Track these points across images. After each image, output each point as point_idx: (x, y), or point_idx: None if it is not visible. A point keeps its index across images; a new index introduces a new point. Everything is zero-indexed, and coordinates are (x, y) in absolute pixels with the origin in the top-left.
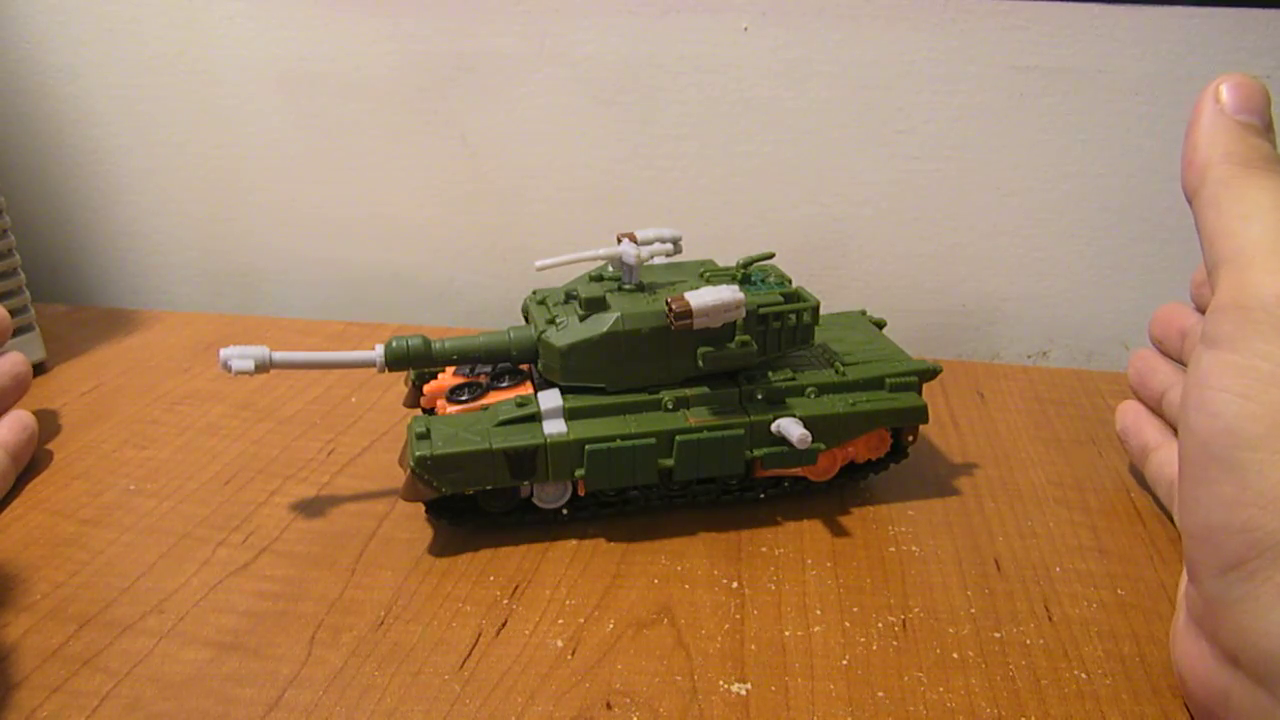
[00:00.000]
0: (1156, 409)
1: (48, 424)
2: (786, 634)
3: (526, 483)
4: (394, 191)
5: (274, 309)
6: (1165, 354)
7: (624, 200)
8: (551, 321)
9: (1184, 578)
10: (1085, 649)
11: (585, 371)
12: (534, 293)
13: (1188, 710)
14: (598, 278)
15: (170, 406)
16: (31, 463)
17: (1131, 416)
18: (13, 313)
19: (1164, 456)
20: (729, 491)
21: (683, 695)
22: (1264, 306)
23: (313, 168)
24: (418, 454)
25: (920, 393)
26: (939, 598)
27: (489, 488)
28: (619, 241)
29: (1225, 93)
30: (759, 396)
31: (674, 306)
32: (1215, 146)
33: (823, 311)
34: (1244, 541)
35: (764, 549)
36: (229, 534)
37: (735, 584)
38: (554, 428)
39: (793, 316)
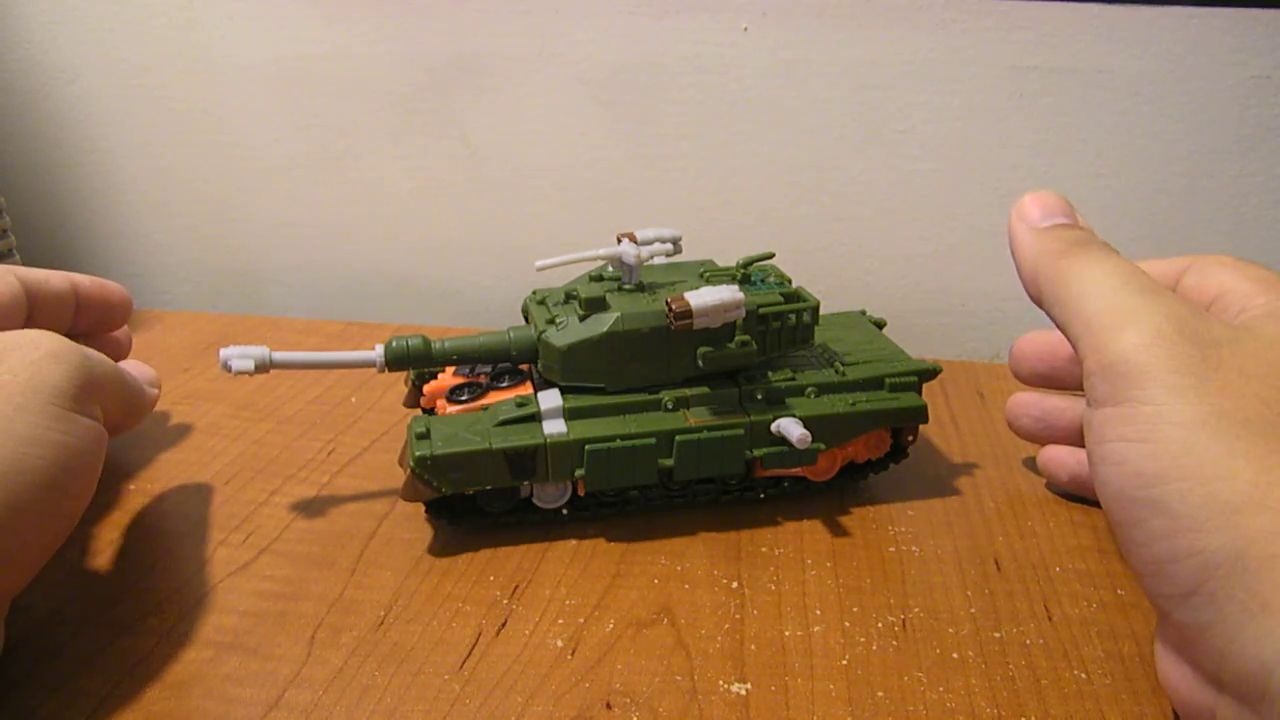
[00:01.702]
0: (1075, 441)
1: None
2: (786, 634)
3: (526, 483)
4: (394, 191)
5: (274, 309)
6: (1061, 385)
7: (624, 200)
8: (551, 321)
9: None
10: (1085, 649)
11: (585, 371)
12: (534, 293)
13: None
14: (598, 278)
15: (170, 406)
16: None
17: (1056, 458)
18: None
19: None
20: (729, 491)
21: (683, 695)
22: (1124, 359)
23: (313, 168)
24: (418, 454)
25: (920, 393)
26: (939, 598)
27: (489, 488)
28: (619, 241)
29: (1028, 210)
30: (759, 396)
31: (674, 306)
32: (1037, 255)
33: (823, 311)
34: (1193, 565)
35: (764, 549)
36: (229, 534)
37: (735, 584)
38: (554, 428)
39: (793, 316)
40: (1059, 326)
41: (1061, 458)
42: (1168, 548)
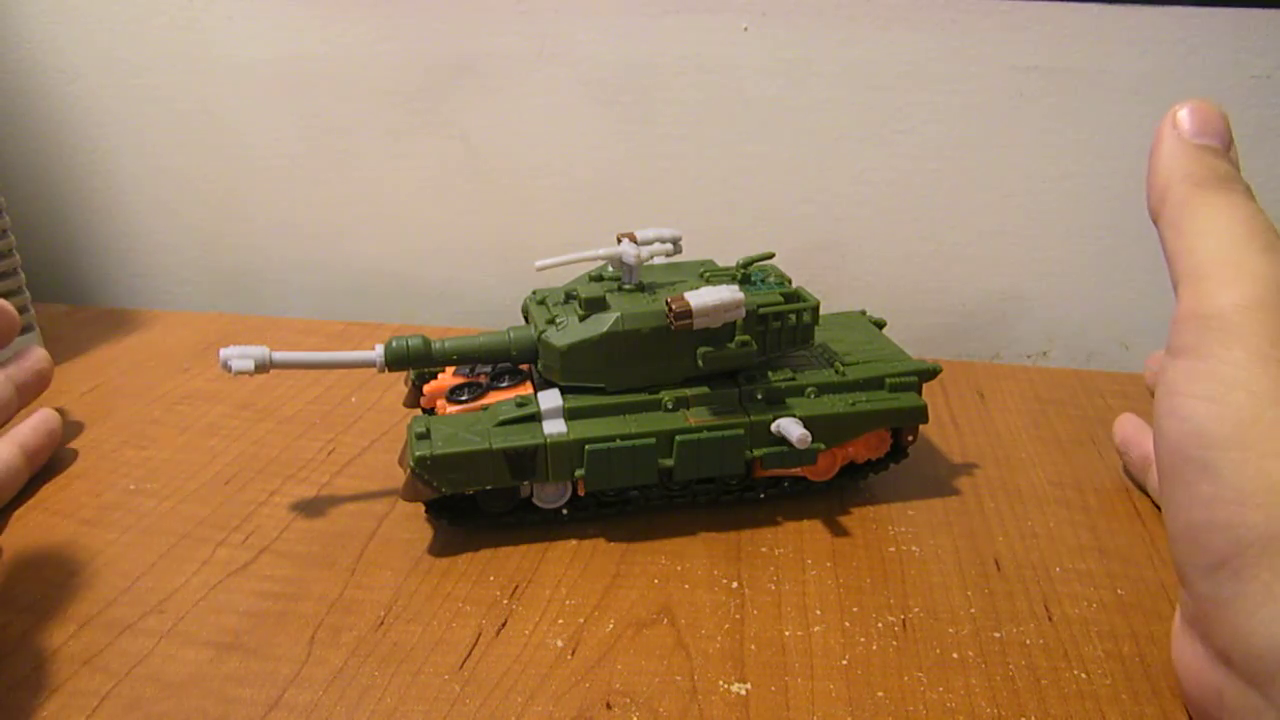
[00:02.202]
0: None
1: None
2: (786, 634)
3: (526, 483)
4: (394, 191)
5: (274, 309)
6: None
7: (624, 200)
8: (551, 321)
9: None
10: (1085, 649)
11: (585, 371)
12: (534, 293)
13: (1186, 711)
14: (598, 278)
15: (170, 406)
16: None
17: (1131, 428)
18: None
19: None
20: (729, 491)
21: (683, 695)
22: (1220, 315)
23: (313, 168)
24: (418, 454)
25: (920, 393)
26: (939, 598)
27: (489, 488)
28: (619, 241)
29: (1183, 118)
30: (759, 396)
31: (674, 306)
32: (1174, 170)
33: (823, 311)
34: (1227, 539)
35: (764, 549)
36: (229, 534)
37: (735, 584)
38: (554, 428)
39: (793, 316)
40: (1166, 254)
41: (1134, 435)
42: (1207, 515)
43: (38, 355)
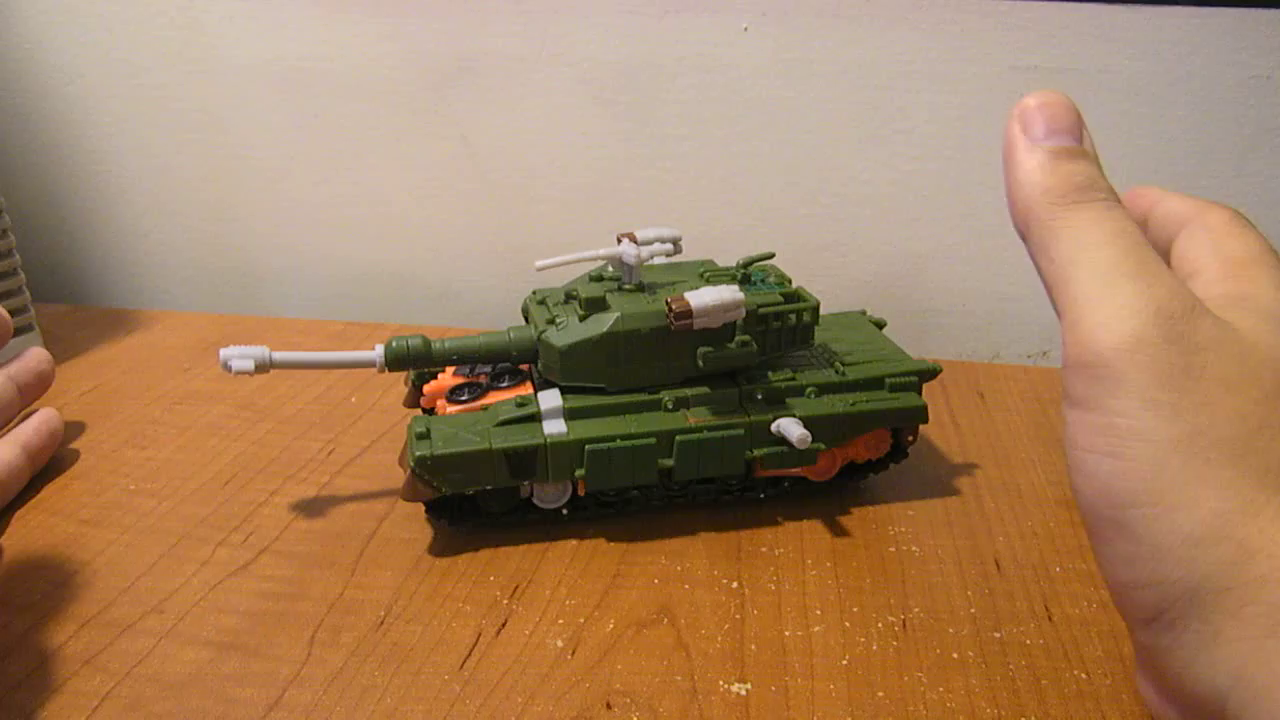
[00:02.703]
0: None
1: None
2: (786, 634)
3: (526, 483)
4: (394, 191)
5: (274, 309)
6: None
7: (624, 200)
8: (551, 321)
9: None
10: (1085, 649)
11: (585, 371)
12: (534, 293)
13: None
14: (598, 278)
15: (170, 406)
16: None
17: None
18: (12, 313)
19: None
20: (729, 491)
21: (683, 695)
22: (1103, 362)
23: (313, 168)
24: (418, 454)
25: (920, 393)
26: (939, 598)
27: (489, 488)
28: (619, 241)
29: (1031, 120)
30: (759, 396)
31: (674, 306)
32: (1031, 187)
33: (823, 311)
34: (1154, 595)
35: (764, 549)
36: (229, 534)
37: (735, 584)
38: (554, 428)
39: (793, 316)
40: (1044, 282)
41: None
42: (1130, 573)
43: (39, 356)
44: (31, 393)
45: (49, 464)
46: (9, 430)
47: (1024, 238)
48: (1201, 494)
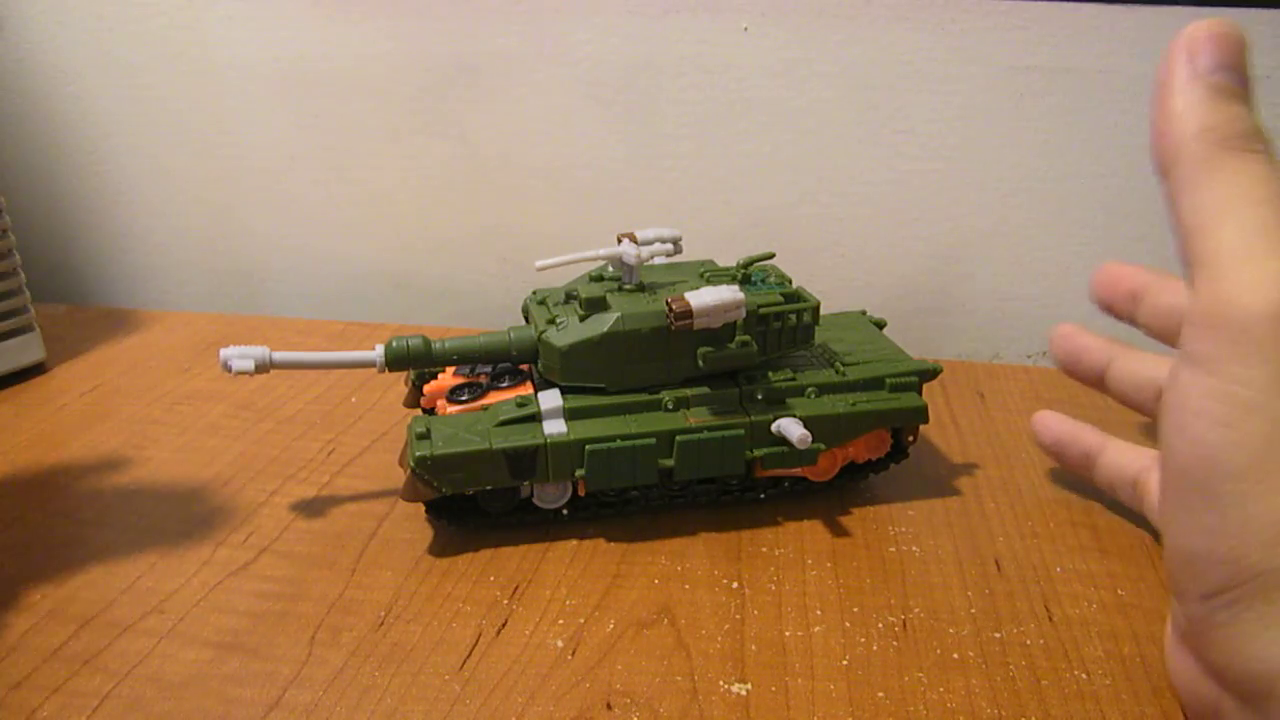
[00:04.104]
0: (1096, 387)
1: (48, 424)
2: (787, 634)
3: (526, 483)
4: (394, 192)
5: (274, 309)
6: (1117, 317)
7: (624, 200)
8: (551, 321)
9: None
10: (1085, 649)
11: (585, 371)
12: (534, 293)
13: (1184, 717)
14: (598, 278)
15: (170, 406)
16: (31, 463)
17: (1062, 425)
18: (13, 313)
19: (1114, 455)
20: (729, 491)
21: (683, 695)
22: (1241, 326)
23: (312, 167)
24: (418, 454)
25: (920, 393)
26: (939, 598)
27: (489, 488)
28: (619, 241)
29: (1201, 46)
30: (759, 396)
31: (674, 306)
32: (1190, 118)
33: (823, 311)
34: (1225, 572)
35: (764, 549)
36: (229, 534)
37: (735, 584)
38: (554, 428)
39: (793, 316)
40: (1176, 223)
41: (1068, 433)
42: (1207, 544)
43: None
44: None
45: (49, 464)
46: None
47: (1162, 174)
48: None
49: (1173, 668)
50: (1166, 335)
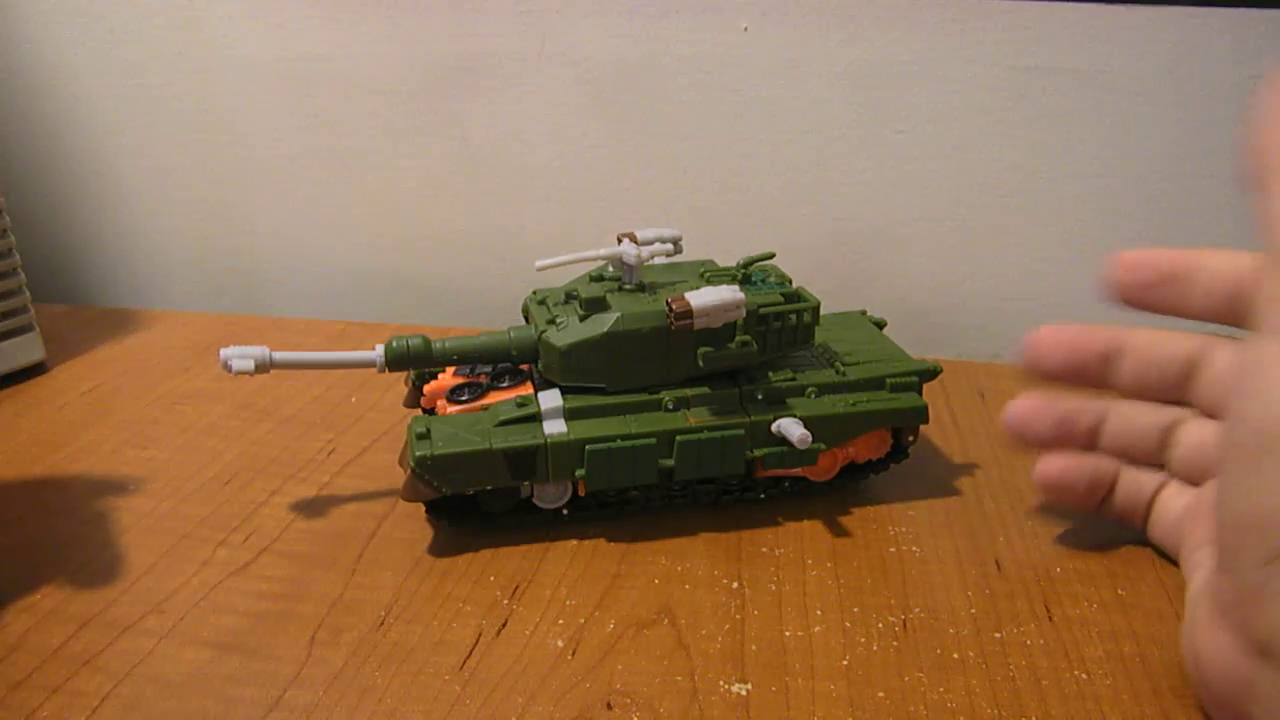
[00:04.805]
0: (1089, 448)
1: (48, 424)
2: (787, 634)
3: (527, 483)
4: (394, 191)
5: (274, 309)
6: (1086, 382)
7: (624, 200)
8: (552, 321)
9: (1196, 574)
10: (1086, 649)
11: (585, 371)
12: (534, 293)
13: (1198, 703)
14: (598, 278)
15: (170, 406)
16: (31, 463)
17: (1073, 465)
18: (13, 313)
19: (1155, 488)
20: (729, 491)
21: (683, 695)
22: None
23: (313, 168)
24: (418, 454)
25: (920, 393)
26: (939, 598)
27: (489, 488)
28: (619, 241)
29: None
30: (759, 396)
31: (674, 306)
32: None
33: (823, 311)
34: None
35: (764, 549)
36: (229, 534)
37: (735, 584)
38: (554, 428)
39: (793, 316)
40: (1263, 220)
41: (1068, 465)
42: (1275, 506)
43: None
44: None
45: (49, 464)
46: None
47: (1255, 183)
48: None
49: (1204, 650)
50: (1213, 314)
